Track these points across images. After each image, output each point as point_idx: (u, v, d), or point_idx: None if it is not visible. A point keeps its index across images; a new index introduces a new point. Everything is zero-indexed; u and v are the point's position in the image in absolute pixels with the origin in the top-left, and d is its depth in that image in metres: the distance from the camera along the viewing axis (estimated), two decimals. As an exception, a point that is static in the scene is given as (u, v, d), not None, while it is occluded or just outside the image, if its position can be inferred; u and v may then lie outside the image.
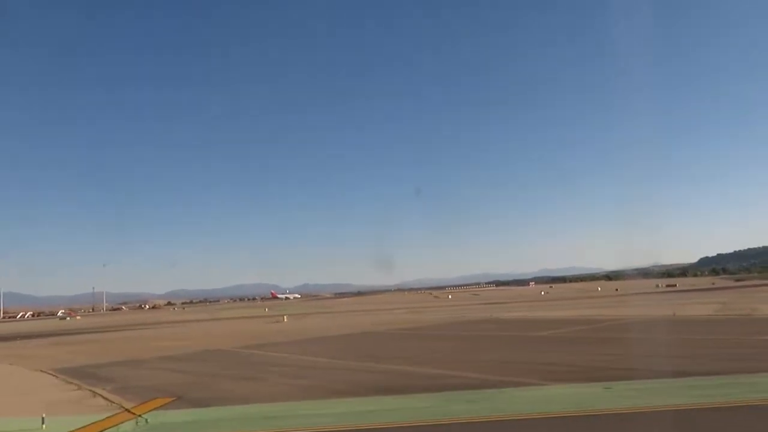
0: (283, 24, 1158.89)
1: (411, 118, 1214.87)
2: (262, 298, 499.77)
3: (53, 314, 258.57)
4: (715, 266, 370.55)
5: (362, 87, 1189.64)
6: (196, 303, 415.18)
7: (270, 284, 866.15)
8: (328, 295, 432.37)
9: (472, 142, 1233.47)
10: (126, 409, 21.67)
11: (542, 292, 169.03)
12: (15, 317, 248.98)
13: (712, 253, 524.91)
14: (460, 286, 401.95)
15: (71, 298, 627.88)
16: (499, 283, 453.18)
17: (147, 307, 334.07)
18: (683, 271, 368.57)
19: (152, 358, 42.61)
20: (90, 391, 27.21)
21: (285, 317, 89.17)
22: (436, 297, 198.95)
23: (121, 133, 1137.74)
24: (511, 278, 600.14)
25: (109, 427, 18.75)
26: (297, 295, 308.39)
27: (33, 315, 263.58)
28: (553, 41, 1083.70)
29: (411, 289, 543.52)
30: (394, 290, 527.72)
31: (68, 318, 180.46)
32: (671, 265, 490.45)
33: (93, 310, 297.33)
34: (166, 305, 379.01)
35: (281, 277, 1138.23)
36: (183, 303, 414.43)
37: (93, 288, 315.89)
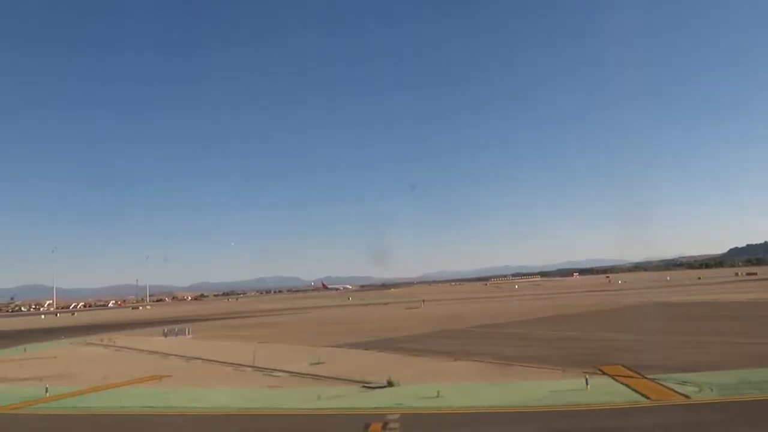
0: (282, 23, 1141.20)
1: (422, 113, 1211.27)
2: (290, 290, 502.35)
3: (104, 305, 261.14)
4: (749, 257, 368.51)
5: (376, 82, 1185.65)
6: (230, 295, 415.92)
7: (290, 277, 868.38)
8: (355, 287, 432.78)
9: (490, 138, 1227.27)
10: (613, 375, 22.42)
11: (620, 281, 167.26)
12: (68, 308, 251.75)
13: (741, 244, 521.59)
14: (500, 276, 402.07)
15: (96, 290, 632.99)
16: (543, 274, 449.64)
17: (188, 298, 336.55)
18: (717, 261, 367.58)
19: (410, 336, 43.61)
20: (495, 363, 27.74)
21: (422, 303, 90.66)
22: (498, 287, 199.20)
23: (133, 130, 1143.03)
24: (535, 270, 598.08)
25: (652, 391, 19.41)
26: (348, 286, 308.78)
27: (85, 306, 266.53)
28: (560, 38, 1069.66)
29: (437, 282, 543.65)
30: (418, 282, 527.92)
31: (140, 308, 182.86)
32: (700, 255, 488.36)
33: (136, 301, 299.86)
34: (199, 297, 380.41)
35: (301, 271, 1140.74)
36: (216, 295, 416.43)
37: (137, 281, 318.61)
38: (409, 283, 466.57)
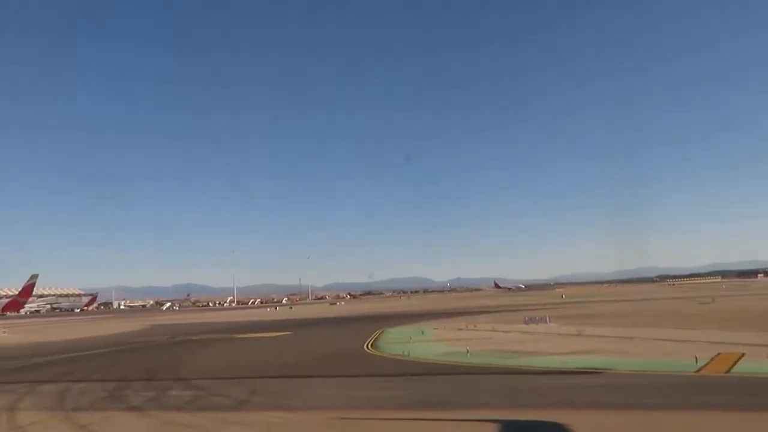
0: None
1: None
2: (425, 291, 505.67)
3: (279, 302, 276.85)
4: None
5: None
6: (376, 295, 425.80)
7: (422, 278, 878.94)
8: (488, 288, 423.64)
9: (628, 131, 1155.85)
10: None
11: None
12: (247, 304, 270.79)
13: None
14: (647, 279, 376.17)
15: (241, 289, 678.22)
16: (693, 276, 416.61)
17: (347, 296, 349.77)
18: None
19: None
20: None
21: (713, 299, 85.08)
22: (694, 288, 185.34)
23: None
24: (684, 272, 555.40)
25: None
26: (521, 285, 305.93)
27: (261, 302, 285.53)
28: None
29: (573, 283, 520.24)
30: (554, 285, 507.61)
31: (337, 304, 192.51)
32: None
33: (299, 299, 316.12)
34: (347, 297, 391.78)
35: (432, 271, 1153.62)
36: (361, 294, 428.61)
37: (300, 280, 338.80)
38: (546, 285, 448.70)
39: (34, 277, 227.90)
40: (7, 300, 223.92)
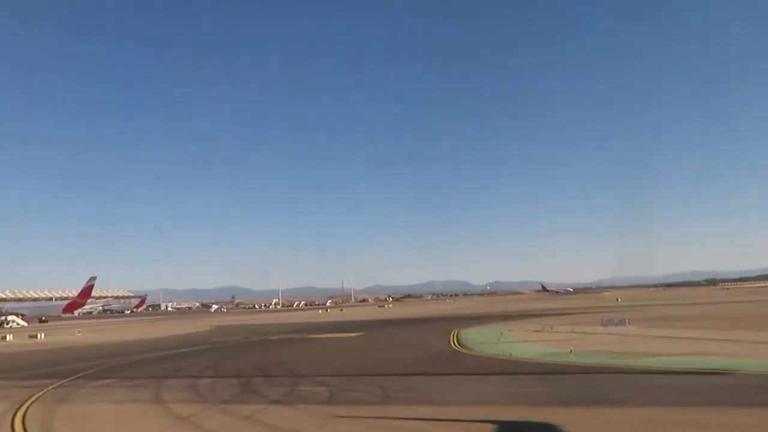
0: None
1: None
2: (465, 294, 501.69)
3: (322, 305, 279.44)
4: None
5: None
6: (412, 298, 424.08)
7: (460, 281, 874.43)
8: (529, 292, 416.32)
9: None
10: None
11: None
12: (292, 306, 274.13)
13: None
14: (693, 283, 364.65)
15: (283, 292, 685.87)
16: (743, 280, 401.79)
17: (389, 299, 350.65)
18: None
19: None
20: None
21: None
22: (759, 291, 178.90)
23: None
24: (732, 275, 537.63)
25: None
26: (570, 289, 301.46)
27: (305, 305, 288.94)
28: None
29: (618, 287, 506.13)
30: (598, 288, 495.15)
31: (386, 306, 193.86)
32: None
33: (342, 302, 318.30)
34: (389, 300, 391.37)
35: (470, 275, 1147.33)
36: (401, 297, 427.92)
37: (342, 282, 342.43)
38: (589, 288, 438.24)
39: (93, 279, 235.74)
40: (67, 302, 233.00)
